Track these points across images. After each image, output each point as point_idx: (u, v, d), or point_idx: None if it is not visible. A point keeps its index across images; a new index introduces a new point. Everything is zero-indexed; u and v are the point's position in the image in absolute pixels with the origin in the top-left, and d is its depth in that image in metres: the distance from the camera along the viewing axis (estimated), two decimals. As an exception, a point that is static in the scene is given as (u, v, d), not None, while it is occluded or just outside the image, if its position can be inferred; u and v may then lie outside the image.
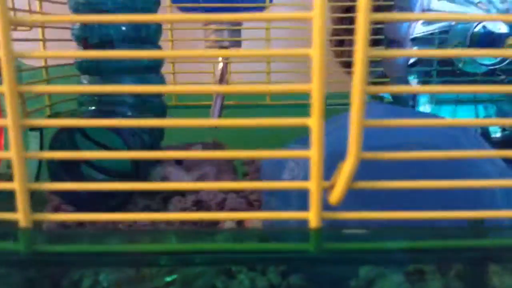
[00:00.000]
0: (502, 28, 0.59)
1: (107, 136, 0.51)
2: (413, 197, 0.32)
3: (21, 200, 0.20)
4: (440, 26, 0.61)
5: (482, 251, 0.21)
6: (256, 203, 0.52)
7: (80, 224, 0.47)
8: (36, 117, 0.53)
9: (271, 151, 0.20)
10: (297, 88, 0.20)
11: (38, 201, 0.48)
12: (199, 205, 0.50)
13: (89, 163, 0.52)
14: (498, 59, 0.61)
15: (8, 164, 0.45)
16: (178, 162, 0.53)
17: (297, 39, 0.72)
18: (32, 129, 0.51)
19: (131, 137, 0.48)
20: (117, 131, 0.48)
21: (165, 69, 0.57)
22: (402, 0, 0.61)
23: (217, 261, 0.25)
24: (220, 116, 0.60)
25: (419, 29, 0.59)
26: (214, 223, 0.48)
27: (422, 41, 0.61)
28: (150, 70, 0.53)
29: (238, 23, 0.62)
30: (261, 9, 0.63)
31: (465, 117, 0.65)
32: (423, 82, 0.63)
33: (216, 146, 0.61)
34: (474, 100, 0.65)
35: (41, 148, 0.48)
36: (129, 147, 0.48)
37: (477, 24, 0.59)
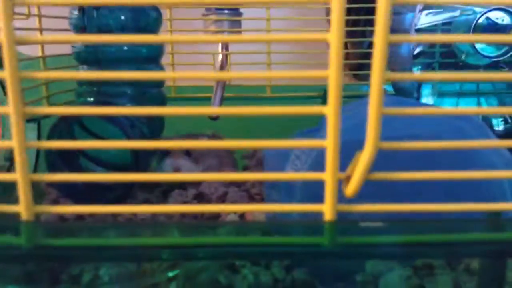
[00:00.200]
0: (506, 19, 0.59)
1: (106, 128, 0.50)
2: (419, 189, 0.31)
3: (23, 192, 0.19)
4: (444, 18, 0.60)
5: (501, 244, 0.21)
6: (257, 196, 0.51)
7: (79, 217, 0.46)
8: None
9: (285, 141, 0.19)
10: (314, 75, 0.19)
11: (35, 194, 0.47)
12: (200, 199, 0.49)
13: (87, 156, 0.51)
14: (502, 51, 0.60)
15: (6, 156, 0.44)
16: (188, 153, 0.52)
17: (298, 30, 0.72)
18: (30, 120, 0.50)
19: (131, 129, 0.47)
20: (116, 122, 0.47)
21: (165, 61, 0.56)
22: None
23: (222, 255, 0.24)
24: (221, 104, 0.59)
25: (423, 20, 0.59)
26: (216, 217, 0.47)
27: (427, 32, 0.60)
28: (149, 61, 0.52)
29: (238, 13, 0.61)
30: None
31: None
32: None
33: (216, 138, 0.60)
34: (477, 93, 0.65)
35: (37, 152, 0.47)
36: (129, 139, 0.47)
37: (481, 16, 0.58)
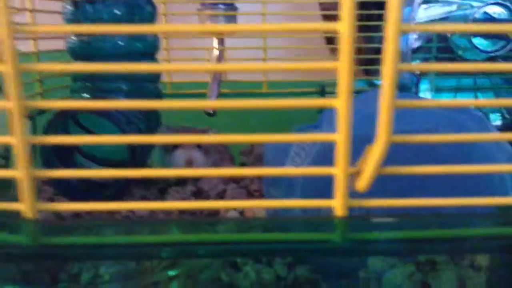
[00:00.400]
0: (503, 14, 0.58)
1: (102, 125, 0.49)
2: (421, 182, 0.31)
3: (26, 189, 0.18)
4: (441, 12, 0.60)
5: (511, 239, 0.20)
6: (256, 193, 0.50)
7: (76, 214, 0.45)
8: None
9: (291, 135, 0.19)
10: (323, 66, 0.18)
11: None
12: (199, 196, 0.49)
13: (83, 152, 0.50)
14: (498, 46, 0.60)
15: (1, 154, 0.44)
16: (199, 146, 0.52)
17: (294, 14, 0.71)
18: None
19: (127, 125, 0.47)
20: (112, 118, 0.46)
21: (160, 57, 0.56)
22: None
23: (225, 252, 0.24)
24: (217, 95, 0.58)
25: (421, 14, 0.58)
26: (215, 213, 0.47)
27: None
28: (145, 56, 0.51)
29: (234, 8, 0.60)
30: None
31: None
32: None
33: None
34: (474, 88, 0.64)
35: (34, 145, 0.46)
36: (124, 132, 0.46)
37: (478, 10, 0.58)
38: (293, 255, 0.23)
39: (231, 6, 0.60)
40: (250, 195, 0.50)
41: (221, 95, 0.60)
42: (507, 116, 0.63)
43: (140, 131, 0.49)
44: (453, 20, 0.60)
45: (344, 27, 0.17)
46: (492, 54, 0.60)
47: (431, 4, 0.59)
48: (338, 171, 0.19)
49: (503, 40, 0.60)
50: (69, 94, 0.51)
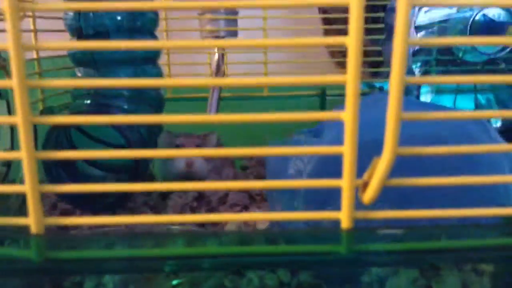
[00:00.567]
0: (503, 16, 0.58)
1: (104, 130, 0.49)
2: (425, 193, 0.31)
3: (32, 205, 0.18)
4: (441, 15, 0.60)
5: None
6: (258, 197, 0.50)
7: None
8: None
9: (298, 147, 0.19)
10: (331, 80, 0.18)
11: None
12: (200, 200, 0.49)
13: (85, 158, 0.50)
14: (499, 48, 0.60)
15: (3, 162, 0.44)
16: (199, 147, 0.52)
17: (294, 28, 0.71)
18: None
19: (129, 131, 0.47)
20: (114, 124, 0.46)
21: (160, 60, 0.56)
22: None
23: (230, 265, 0.24)
24: (218, 108, 0.58)
25: (421, 18, 0.58)
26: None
27: (425, 28, 0.60)
28: (147, 61, 0.51)
29: (234, 12, 0.60)
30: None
31: (466, 106, 0.64)
32: (424, 71, 0.62)
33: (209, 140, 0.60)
34: (474, 90, 0.64)
35: (36, 143, 0.46)
36: (127, 140, 0.46)
37: (478, 13, 0.58)
38: (298, 267, 0.23)
39: (232, 10, 0.60)
40: (252, 198, 0.50)
41: (222, 99, 0.60)
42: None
43: (141, 136, 0.49)
44: (453, 23, 0.60)
45: (352, 41, 0.17)
46: (493, 56, 0.60)
47: (432, 8, 0.59)
48: (344, 183, 0.19)
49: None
50: (71, 99, 0.51)
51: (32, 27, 0.52)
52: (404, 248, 0.20)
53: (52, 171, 0.45)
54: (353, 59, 0.17)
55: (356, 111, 0.18)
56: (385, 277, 0.35)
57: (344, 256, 0.19)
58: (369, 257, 0.20)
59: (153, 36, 0.52)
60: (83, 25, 0.47)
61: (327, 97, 0.63)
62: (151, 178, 0.54)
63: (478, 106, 0.64)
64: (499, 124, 0.63)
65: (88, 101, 0.49)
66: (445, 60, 0.63)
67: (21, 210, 0.43)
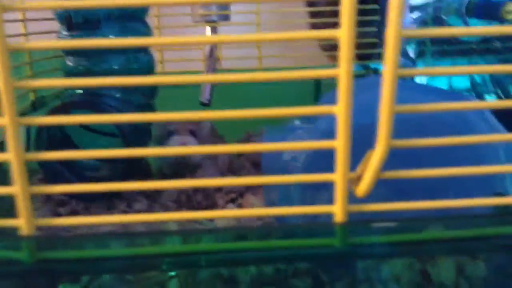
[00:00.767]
0: (498, -5, 0.58)
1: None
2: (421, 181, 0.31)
3: (23, 206, 0.18)
4: (436, -6, 0.59)
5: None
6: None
7: (73, 212, 0.45)
8: (21, 103, 0.50)
9: (292, 142, 0.18)
10: (323, 74, 0.18)
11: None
12: (196, 188, 0.49)
13: (77, 147, 0.50)
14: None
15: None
16: (193, 133, 0.52)
17: (288, 11, 0.70)
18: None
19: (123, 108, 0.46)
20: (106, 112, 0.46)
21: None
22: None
23: (227, 262, 0.24)
24: (212, 92, 0.58)
25: (416, -1, 0.58)
26: (213, 206, 0.47)
27: (420, 9, 0.59)
28: (138, 49, 0.50)
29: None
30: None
31: (461, 85, 0.64)
32: (419, 51, 0.61)
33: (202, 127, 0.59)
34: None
35: (28, 135, 0.46)
36: (120, 129, 0.46)
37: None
38: (293, 261, 0.23)
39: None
40: (248, 186, 0.50)
41: (215, 85, 0.60)
42: (502, 96, 0.63)
43: (135, 127, 0.49)
44: (448, 2, 0.60)
45: (344, 34, 0.17)
46: (487, 36, 0.60)
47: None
48: (337, 177, 0.19)
49: (497, 22, 0.59)
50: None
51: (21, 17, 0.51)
52: (398, 239, 0.20)
53: (47, 164, 0.45)
54: (345, 52, 0.17)
55: (349, 105, 0.18)
56: (381, 263, 0.35)
57: (339, 249, 0.19)
58: (363, 249, 0.20)
59: (144, 24, 0.51)
60: (72, 13, 0.46)
61: (322, 80, 0.63)
62: (146, 166, 0.54)
63: (473, 86, 0.64)
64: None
65: (81, 90, 0.48)
66: (440, 40, 0.62)
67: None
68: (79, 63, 0.47)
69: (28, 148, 0.48)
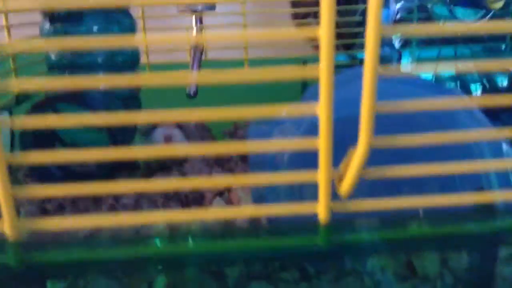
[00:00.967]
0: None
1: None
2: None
3: (5, 210, 0.18)
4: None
5: (493, 235, 0.21)
6: (240, 175, 0.50)
7: (60, 207, 0.45)
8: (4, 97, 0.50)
9: (277, 140, 0.18)
10: (303, 74, 0.18)
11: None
12: (184, 181, 0.49)
13: (64, 142, 0.49)
14: (480, 16, 0.60)
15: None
16: (179, 126, 0.52)
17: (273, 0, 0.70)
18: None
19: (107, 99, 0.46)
20: (93, 109, 0.45)
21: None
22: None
23: (213, 261, 0.24)
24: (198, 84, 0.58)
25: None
26: (201, 199, 0.47)
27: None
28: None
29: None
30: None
31: (447, 73, 0.64)
32: (405, 41, 0.62)
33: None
34: (455, 57, 0.64)
35: (12, 132, 0.45)
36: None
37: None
38: (279, 260, 0.23)
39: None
40: (235, 176, 0.50)
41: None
42: (486, 84, 0.63)
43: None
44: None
45: (324, 33, 0.17)
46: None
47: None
48: (320, 176, 0.19)
49: (483, 10, 0.59)
50: (46, 71, 0.50)
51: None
52: (382, 237, 0.20)
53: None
54: (326, 52, 0.17)
55: (329, 106, 0.18)
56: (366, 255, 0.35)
57: (323, 248, 0.20)
58: (348, 247, 0.20)
59: (129, 15, 0.50)
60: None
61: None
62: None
63: (459, 75, 0.64)
64: (479, 92, 0.63)
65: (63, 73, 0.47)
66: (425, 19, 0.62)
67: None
68: (62, 56, 0.47)
69: (12, 142, 0.47)
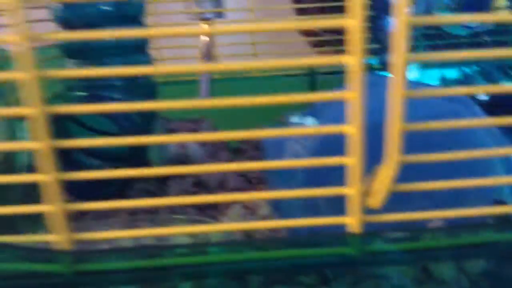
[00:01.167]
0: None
1: (99, 121, 0.50)
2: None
3: (59, 223, 0.19)
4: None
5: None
6: (254, 180, 0.52)
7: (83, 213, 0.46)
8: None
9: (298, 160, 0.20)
10: (332, 61, 0.19)
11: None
12: (199, 186, 0.50)
13: (81, 149, 0.51)
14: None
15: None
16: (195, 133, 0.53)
17: (281, 8, 0.71)
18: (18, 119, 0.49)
19: (124, 121, 0.47)
20: (110, 115, 0.47)
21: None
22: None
23: (240, 271, 0.25)
24: (209, 91, 0.59)
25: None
26: (217, 205, 0.48)
27: (413, 1, 0.60)
28: (137, 50, 0.51)
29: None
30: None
31: (452, 79, 0.65)
32: (411, 46, 0.63)
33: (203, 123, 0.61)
34: (459, 62, 0.66)
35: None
36: (122, 128, 0.47)
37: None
38: (311, 270, 0.24)
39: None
40: (249, 182, 0.51)
41: (212, 81, 0.61)
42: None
43: (137, 125, 0.50)
44: (438, -3, 0.61)
45: (354, 23, 0.18)
46: (478, 29, 0.61)
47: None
48: (351, 191, 0.20)
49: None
50: (64, 90, 0.51)
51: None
52: (409, 247, 0.21)
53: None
54: (356, 40, 0.18)
55: (361, 125, 0.19)
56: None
57: (353, 258, 0.21)
58: (376, 257, 0.22)
59: (140, 24, 0.52)
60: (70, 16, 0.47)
61: (316, 76, 0.64)
62: (148, 166, 0.55)
63: (465, 77, 0.65)
64: (486, 97, 0.65)
65: (82, 93, 0.49)
66: (431, 35, 0.64)
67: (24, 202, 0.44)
68: (78, 66, 0.48)
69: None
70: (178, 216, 0.43)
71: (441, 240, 0.21)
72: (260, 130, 0.21)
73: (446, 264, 0.34)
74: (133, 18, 0.51)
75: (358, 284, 0.34)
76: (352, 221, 0.21)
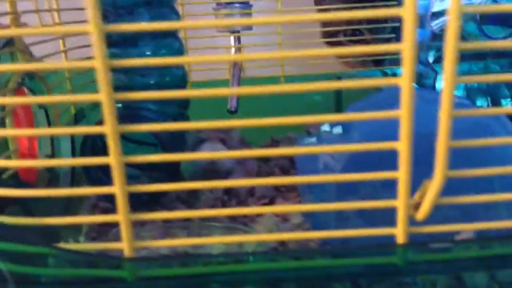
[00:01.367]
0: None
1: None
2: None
3: (125, 231, 0.21)
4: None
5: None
6: (282, 188, 0.53)
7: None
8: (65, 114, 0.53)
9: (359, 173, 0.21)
10: (387, 48, 0.21)
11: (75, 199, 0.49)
12: (229, 193, 0.51)
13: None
14: (507, 33, 0.62)
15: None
16: (223, 141, 0.55)
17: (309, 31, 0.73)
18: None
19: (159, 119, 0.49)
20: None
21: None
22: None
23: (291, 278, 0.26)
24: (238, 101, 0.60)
25: (437, 5, 0.60)
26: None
27: (439, 15, 0.61)
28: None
29: (248, 6, 0.62)
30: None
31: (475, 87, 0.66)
32: (438, 57, 0.64)
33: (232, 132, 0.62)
34: (484, 72, 0.66)
35: (73, 145, 0.48)
36: (159, 139, 0.48)
37: (489, -1, 0.60)
38: (358, 278, 0.25)
39: (246, 5, 0.61)
40: (278, 190, 0.52)
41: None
42: (490, 104, 0.65)
43: (171, 136, 0.51)
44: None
45: (407, 13, 0.19)
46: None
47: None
48: (399, 203, 0.21)
49: (510, 28, 0.61)
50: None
51: None
52: (451, 257, 0.22)
53: (91, 173, 0.48)
54: (409, 27, 0.19)
55: (409, 140, 0.20)
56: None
57: (398, 267, 0.22)
58: (419, 267, 0.23)
59: (176, 36, 0.53)
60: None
61: (343, 91, 0.65)
62: (180, 173, 0.56)
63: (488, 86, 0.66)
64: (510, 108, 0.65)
65: (119, 104, 0.50)
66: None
67: (67, 209, 0.46)
68: (117, 78, 0.50)
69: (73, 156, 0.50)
70: (212, 223, 0.44)
71: (474, 251, 0.22)
72: (299, 147, 0.23)
73: (478, 273, 0.35)
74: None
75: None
76: (398, 232, 0.22)
